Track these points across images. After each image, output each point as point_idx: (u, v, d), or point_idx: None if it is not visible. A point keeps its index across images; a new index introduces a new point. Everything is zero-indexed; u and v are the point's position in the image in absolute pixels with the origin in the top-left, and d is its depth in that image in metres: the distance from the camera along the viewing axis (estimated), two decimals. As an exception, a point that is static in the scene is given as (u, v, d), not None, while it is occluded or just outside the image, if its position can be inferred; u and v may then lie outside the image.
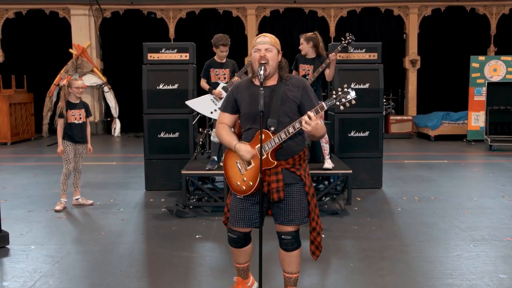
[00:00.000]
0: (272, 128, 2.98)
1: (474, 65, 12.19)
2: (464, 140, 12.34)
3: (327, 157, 5.92)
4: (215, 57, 5.93)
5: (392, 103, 14.15)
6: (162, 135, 6.90)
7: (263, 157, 2.96)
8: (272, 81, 3.13)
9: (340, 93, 2.80)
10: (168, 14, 14.72)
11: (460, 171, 8.46)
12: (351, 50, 6.46)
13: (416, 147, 11.90)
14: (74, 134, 5.93)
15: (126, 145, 12.57)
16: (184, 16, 14.70)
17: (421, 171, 8.34)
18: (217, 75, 5.88)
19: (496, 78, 12.05)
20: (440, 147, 11.42)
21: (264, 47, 3.09)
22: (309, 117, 2.84)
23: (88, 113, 6.09)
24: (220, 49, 5.79)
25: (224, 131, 3.19)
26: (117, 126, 14.24)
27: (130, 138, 13.66)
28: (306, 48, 5.82)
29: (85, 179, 7.30)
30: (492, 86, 11.60)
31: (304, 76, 5.76)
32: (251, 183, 3.00)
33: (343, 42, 5.81)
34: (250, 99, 3.05)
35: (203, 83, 5.96)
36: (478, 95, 12.13)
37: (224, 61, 5.90)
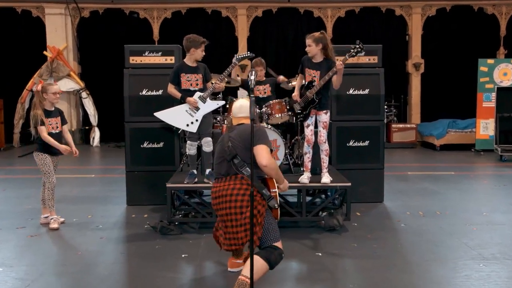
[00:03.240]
0: None
1: (483, 69, 12.31)
2: (472, 150, 12.43)
3: (325, 170, 5.91)
4: (187, 61, 5.79)
5: (394, 110, 14.24)
6: (145, 145, 6.88)
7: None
8: None
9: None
10: (152, 14, 14.76)
11: (468, 183, 8.51)
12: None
13: (420, 157, 11.96)
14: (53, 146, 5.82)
15: (106, 156, 12.52)
16: (169, 16, 14.76)
17: (426, 184, 8.38)
18: (189, 80, 5.75)
19: (506, 83, 12.17)
20: (446, 158, 11.49)
21: None
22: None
23: (63, 121, 6.04)
24: (202, 48, 5.71)
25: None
26: (96, 135, 14.19)
27: (110, 149, 13.62)
28: (314, 50, 5.63)
29: (60, 193, 7.26)
30: (502, 92, 11.72)
31: (311, 82, 5.67)
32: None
33: (352, 50, 5.59)
34: None
35: (172, 89, 5.80)
36: (487, 101, 12.24)
37: (196, 65, 5.79)
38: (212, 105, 5.79)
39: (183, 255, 4.86)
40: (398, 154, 12.16)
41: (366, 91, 6.95)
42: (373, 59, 6.99)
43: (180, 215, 6.05)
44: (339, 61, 5.50)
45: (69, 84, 13.80)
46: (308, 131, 5.86)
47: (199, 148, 6.03)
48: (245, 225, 3.71)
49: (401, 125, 13.68)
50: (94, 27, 14.79)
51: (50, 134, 5.79)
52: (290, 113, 6.58)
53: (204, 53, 5.78)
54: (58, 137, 5.90)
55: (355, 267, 4.54)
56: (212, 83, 5.85)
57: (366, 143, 6.98)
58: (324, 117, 5.76)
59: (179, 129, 6.87)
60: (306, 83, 5.78)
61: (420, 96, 14.97)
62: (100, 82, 14.53)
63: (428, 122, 14.15)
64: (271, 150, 3.89)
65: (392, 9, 14.83)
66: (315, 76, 5.68)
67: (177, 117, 5.79)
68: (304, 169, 5.97)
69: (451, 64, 14.80)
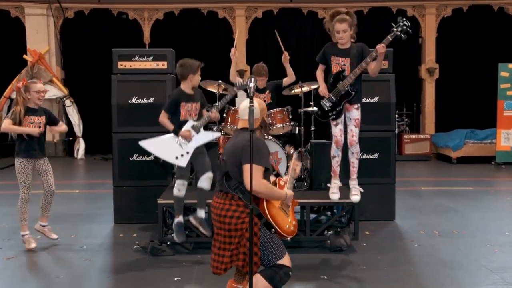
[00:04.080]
0: None
1: (503, 74, 12.35)
2: (493, 162, 12.44)
3: (354, 181, 5.71)
4: (184, 88, 5.51)
5: (406, 120, 14.26)
6: (134, 157, 6.89)
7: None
8: None
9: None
10: (142, 15, 14.84)
11: (488, 199, 8.51)
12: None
13: (435, 171, 11.97)
14: (32, 146, 5.69)
15: (92, 169, 12.52)
16: (161, 17, 14.83)
17: (442, 200, 8.38)
18: (189, 110, 5.50)
19: (529, 90, 12.22)
20: (464, 171, 11.49)
21: None
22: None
23: (52, 121, 5.92)
24: (199, 73, 5.51)
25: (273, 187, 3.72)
26: (80, 146, 14.20)
27: (96, 161, 13.63)
28: (348, 36, 5.37)
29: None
30: (525, 99, 11.74)
31: (341, 72, 5.38)
32: (294, 222, 3.78)
33: (395, 30, 5.24)
34: None
35: (164, 119, 5.49)
36: (508, 110, 12.27)
37: (194, 92, 5.56)
38: (206, 136, 5.57)
39: (175, 279, 4.86)
40: (410, 168, 12.16)
41: (376, 99, 6.97)
42: (383, 64, 7.00)
43: (172, 235, 6.03)
44: (380, 44, 5.21)
45: (52, 91, 13.80)
46: (337, 131, 5.56)
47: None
48: (232, 250, 3.59)
49: (413, 136, 13.69)
50: (79, 29, 14.84)
51: (30, 135, 5.66)
52: (292, 123, 6.59)
53: (200, 78, 5.58)
54: (39, 138, 5.75)
55: (364, 291, 4.54)
56: (207, 111, 5.59)
57: (376, 155, 6.99)
58: (356, 113, 5.50)
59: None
60: (333, 74, 5.46)
61: (435, 104, 14.99)
62: (85, 89, 14.57)
63: (443, 132, 14.16)
64: (266, 169, 3.63)
65: (404, 9, 14.89)
66: (344, 65, 5.41)
67: (165, 148, 5.52)
68: (332, 174, 5.77)
69: (469, 69, 14.83)
